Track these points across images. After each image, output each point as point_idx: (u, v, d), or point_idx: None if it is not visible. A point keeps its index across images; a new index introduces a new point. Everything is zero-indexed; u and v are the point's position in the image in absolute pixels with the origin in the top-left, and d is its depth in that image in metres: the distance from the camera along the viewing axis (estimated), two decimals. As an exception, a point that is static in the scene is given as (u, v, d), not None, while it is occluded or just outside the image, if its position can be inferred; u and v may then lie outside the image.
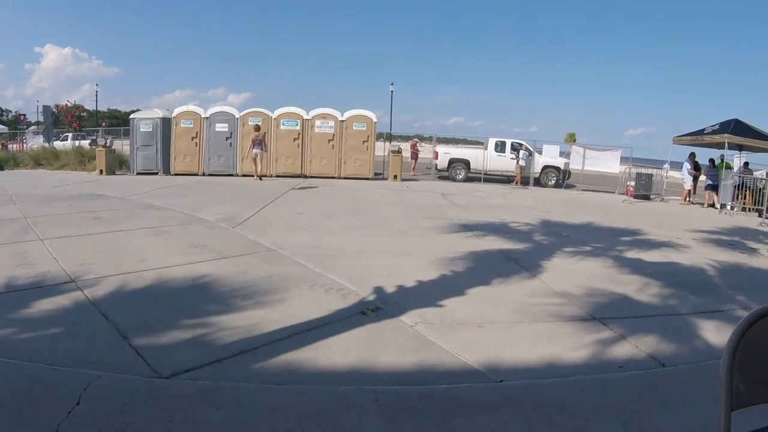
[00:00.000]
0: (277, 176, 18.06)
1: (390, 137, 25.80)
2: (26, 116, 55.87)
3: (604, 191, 19.38)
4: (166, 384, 3.46)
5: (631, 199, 17.46)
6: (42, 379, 3.37)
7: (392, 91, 48.64)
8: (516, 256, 7.48)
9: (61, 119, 49.04)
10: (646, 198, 17.85)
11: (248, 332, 4.37)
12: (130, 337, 4.18)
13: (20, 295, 5.04)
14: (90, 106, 60.12)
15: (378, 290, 5.57)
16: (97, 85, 62.41)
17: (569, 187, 20.55)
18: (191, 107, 19.12)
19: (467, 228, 9.63)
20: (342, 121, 18.46)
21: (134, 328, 4.36)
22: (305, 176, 18.22)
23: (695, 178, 17.78)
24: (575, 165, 20.69)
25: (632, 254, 8.01)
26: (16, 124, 51.07)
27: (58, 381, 3.36)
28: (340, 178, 18.28)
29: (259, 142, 17.25)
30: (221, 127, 18.33)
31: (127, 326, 4.38)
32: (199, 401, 3.22)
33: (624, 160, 20.47)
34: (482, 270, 6.62)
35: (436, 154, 21.59)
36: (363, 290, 5.55)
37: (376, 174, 19.13)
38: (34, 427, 2.83)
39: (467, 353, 4.14)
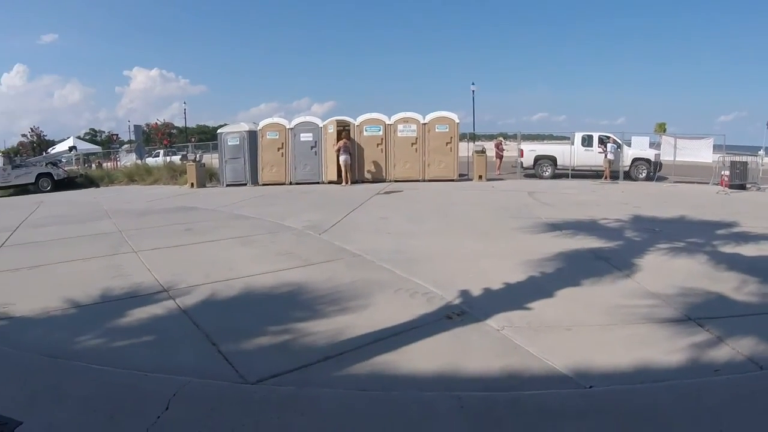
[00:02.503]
0: (362, 182, 18.21)
1: (473, 137, 25.37)
2: (119, 136, 60.26)
3: (697, 182, 18.06)
4: (252, 390, 3.48)
5: (726, 189, 16.12)
6: (134, 385, 3.49)
7: (473, 91, 48.06)
8: (607, 255, 7.04)
9: (152, 137, 51.93)
10: (742, 188, 16.41)
11: (333, 338, 4.34)
12: (219, 343, 4.27)
13: (116, 305, 5.32)
14: (179, 123, 63.22)
15: (464, 294, 5.40)
16: (185, 103, 66.00)
17: (661, 179, 19.27)
18: (276, 119, 19.76)
19: (555, 227, 9.21)
20: (424, 123, 18.31)
21: (223, 334, 4.46)
22: (390, 181, 18.25)
23: None
24: (666, 156, 19.33)
25: (729, 249, 7.35)
26: (109, 143, 55.00)
27: (149, 387, 3.46)
28: (424, 180, 18.14)
29: (346, 149, 17.54)
30: (306, 137, 18.73)
31: (217, 333, 4.49)
32: (284, 408, 3.22)
33: (717, 148, 18.97)
34: (571, 270, 6.28)
35: (521, 152, 20.91)
36: (448, 294, 5.39)
37: (460, 175, 18.80)
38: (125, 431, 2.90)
39: (555, 358, 3.92)
